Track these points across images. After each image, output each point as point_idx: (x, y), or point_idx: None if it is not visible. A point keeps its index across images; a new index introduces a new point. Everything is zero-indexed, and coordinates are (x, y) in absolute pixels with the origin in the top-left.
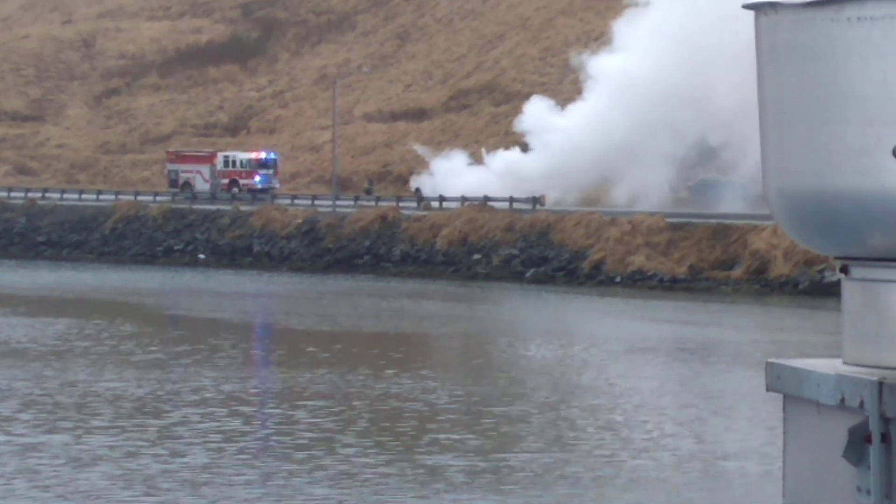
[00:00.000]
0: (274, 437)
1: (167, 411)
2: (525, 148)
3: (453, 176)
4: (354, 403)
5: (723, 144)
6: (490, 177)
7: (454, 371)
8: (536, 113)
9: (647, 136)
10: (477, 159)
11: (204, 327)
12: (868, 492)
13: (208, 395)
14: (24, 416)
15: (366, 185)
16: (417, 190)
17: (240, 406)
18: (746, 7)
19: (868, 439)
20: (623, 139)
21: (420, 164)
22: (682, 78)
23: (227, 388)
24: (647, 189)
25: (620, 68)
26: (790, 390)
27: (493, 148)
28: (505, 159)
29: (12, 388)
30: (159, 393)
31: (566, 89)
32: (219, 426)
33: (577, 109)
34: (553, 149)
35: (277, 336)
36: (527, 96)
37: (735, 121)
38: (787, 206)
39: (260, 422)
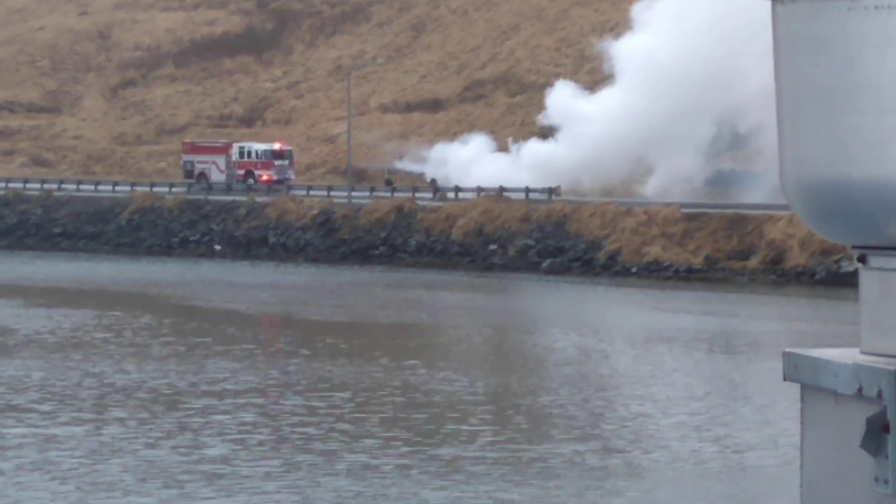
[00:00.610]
0: (294, 429)
1: (186, 403)
2: (546, 136)
3: (475, 164)
4: (375, 394)
5: (752, 130)
6: (514, 167)
7: (474, 362)
8: (563, 100)
9: (677, 121)
10: (501, 147)
11: (222, 318)
12: (886, 481)
13: (227, 386)
14: (43, 408)
15: (386, 175)
16: (433, 181)
17: (259, 397)
18: None
19: (886, 429)
20: (655, 125)
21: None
22: (709, 62)
23: (246, 379)
24: (678, 177)
25: (646, 52)
26: (807, 380)
27: (514, 137)
28: (533, 149)
29: (31, 379)
30: (178, 384)
31: (583, 79)
32: (238, 418)
33: (605, 95)
34: (584, 137)
35: (296, 327)
36: (542, 87)
37: (764, 106)
38: (804, 196)
39: (279, 413)
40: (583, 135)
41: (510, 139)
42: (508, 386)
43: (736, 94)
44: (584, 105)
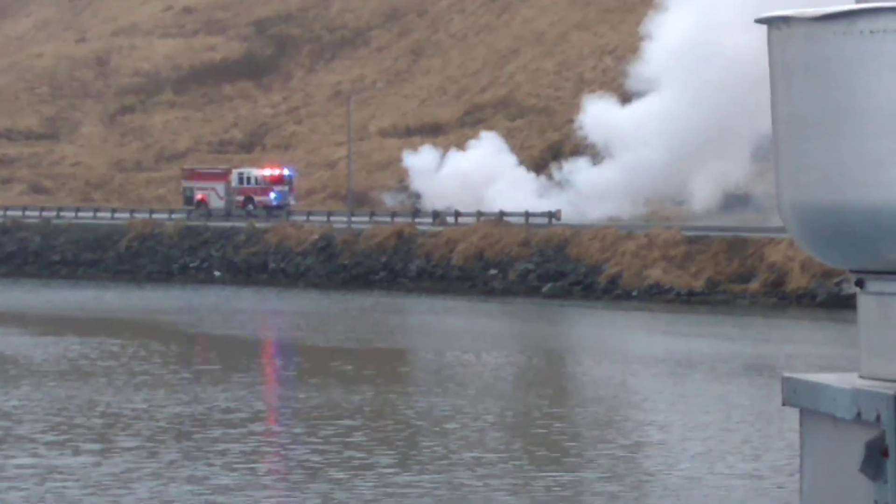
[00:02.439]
0: (304, 457)
1: (193, 431)
2: (580, 152)
3: (514, 188)
4: (386, 421)
5: None
6: (551, 194)
7: (486, 388)
8: (599, 116)
9: (723, 128)
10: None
11: (226, 345)
12: None
13: (234, 414)
14: (46, 437)
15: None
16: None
17: (266, 426)
18: (759, 21)
19: (885, 453)
20: (698, 135)
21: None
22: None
23: (252, 406)
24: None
25: (681, 58)
26: (806, 404)
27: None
28: (588, 174)
29: (34, 408)
30: (183, 412)
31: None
32: (246, 446)
33: (640, 109)
34: (629, 155)
35: (302, 353)
36: (542, 111)
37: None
38: (801, 220)
39: (288, 441)
40: (625, 153)
41: (554, 164)
42: (522, 412)
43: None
44: (622, 119)
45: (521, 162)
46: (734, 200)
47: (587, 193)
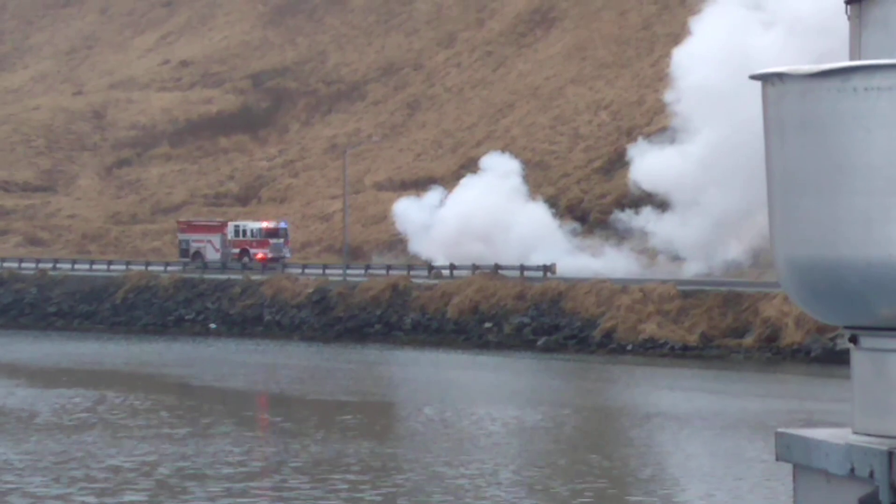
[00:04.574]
0: None
1: (194, 486)
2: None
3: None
4: (395, 478)
5: None
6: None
7: (493, 444)
8: (653, 166)
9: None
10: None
11: (224, 398)
12: None
13: (237, 469)
14: (50, 491)
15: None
16: (427, 259)
17: (272, 479)
18: (754, 78)
19: None
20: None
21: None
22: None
23: (254, 460)
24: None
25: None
26: (800, 460)
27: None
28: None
29: (37, 462)
30: (186, 465)
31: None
32: (248, 501)
33: (691, 152)
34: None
35: (302, 406)
36: (538, 164)
37: None
38: (795, 276)
39: (293, 496)
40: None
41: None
42: (524, 465)
43: None
44: (678, 165)
45: (559, 215)
46: None
47: (677, 245)
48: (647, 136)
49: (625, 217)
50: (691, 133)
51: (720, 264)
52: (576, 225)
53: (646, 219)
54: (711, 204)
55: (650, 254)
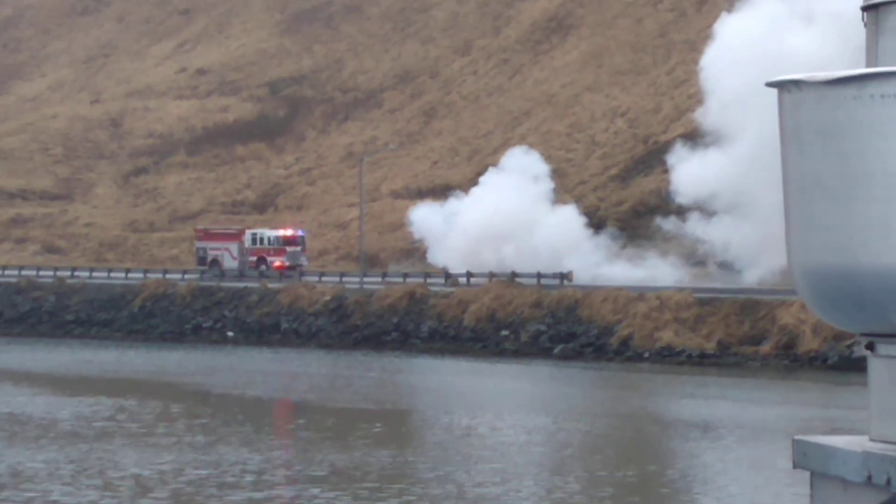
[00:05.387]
0: None
1: (216, 495)
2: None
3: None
4: (415, 486)
5: None
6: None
7: (518, 452)
8: (690, 169)
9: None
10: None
11: (244, 406)
12: None
13: (261, 476)
14: (71, 500)
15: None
16: (444, 267)
17: (294, 488)
18: (770, 85)
19: None
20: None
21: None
22: None
23: (276, 468)
24: None
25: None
26: (817, 467)
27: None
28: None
29: (59, 471)
30: (207, 474)
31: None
32: None
33: (726, 158)
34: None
35: (321, 414)
36: (554, 172)
37: None
38: (812, 283)
39: (317, 503)
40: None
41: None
42: (543, 473)
43: None
44: (717, 171)
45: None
46: None
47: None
48: (685, 140)
49: (668, 224)
50: (730, 137)
51: (775, 272)
52: (613, 230)
53: (693, 226)
54: (761, 208)
55: (697, 260)
